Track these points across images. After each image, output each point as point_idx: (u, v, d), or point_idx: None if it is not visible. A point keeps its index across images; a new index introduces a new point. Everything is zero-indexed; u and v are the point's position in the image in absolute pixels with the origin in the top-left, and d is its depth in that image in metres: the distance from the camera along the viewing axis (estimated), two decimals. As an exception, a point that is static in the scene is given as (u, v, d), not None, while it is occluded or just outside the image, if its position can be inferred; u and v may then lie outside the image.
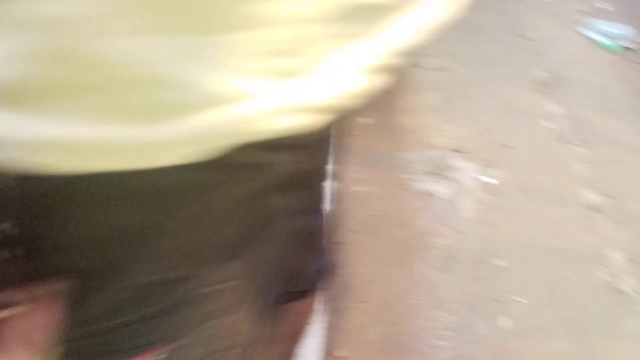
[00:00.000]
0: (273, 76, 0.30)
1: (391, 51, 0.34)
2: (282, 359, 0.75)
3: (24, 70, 0.27)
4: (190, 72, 0.28)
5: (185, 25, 0.27)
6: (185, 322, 0.37)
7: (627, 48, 2.38)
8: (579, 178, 1.75)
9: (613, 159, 1.84)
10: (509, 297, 1.40)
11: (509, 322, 1.34)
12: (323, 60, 0.31)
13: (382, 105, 1.90)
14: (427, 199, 1.61)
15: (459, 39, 2.25)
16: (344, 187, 1.59)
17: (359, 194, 1.59)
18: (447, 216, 1.57)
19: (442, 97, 1.97)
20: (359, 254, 1.43)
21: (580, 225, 1.60)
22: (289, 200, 0.42)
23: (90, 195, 0.32)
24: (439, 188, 1.65)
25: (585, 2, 2.63)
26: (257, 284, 0.40)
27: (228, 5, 0.27)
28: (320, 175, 0.57)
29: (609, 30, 2.39)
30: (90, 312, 0.36)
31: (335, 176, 1.60)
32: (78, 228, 0.33)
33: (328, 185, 0.68)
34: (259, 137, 0.31)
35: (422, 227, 1.54)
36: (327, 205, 0.69)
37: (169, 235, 0.34)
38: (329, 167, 0.63)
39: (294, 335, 0.76)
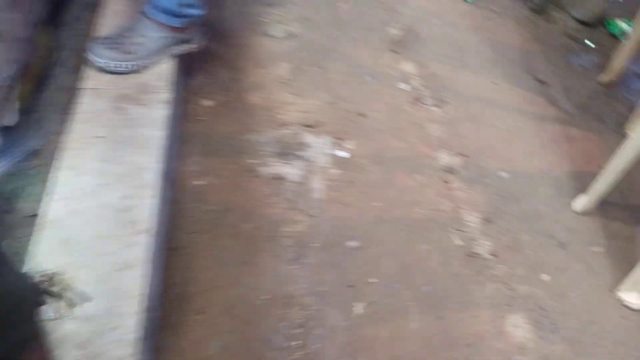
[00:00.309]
0: None
1: None
2: None
3: None
4: None
5: None
6: None
7: (481, -4, 2.35)
8: (434, 140, 1.69)
9: (467, 116, 1.80)
10: (364, 280, 1.32)
11: (363, 308, 1.26)
12: None
13: (227, 83, 1.73)
14: (276, 183, 1.49)
15: (308, 2, 2.11)
16: (182, 183, 1.43)
17: (199, 189, 1.43)
18: (298, 200, 1.46)
19: (292, 68, 1.83)
20: (198, 258, 1.29)
21: (436, 191, 1.55)
22: None
23: None
24: (290, 170, 1.53)
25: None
26: None
27: None
28: None
29: (463, -20, 2.34)
30: None
31: (171, 172, 1.44)
32: None
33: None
34: None
35: (271, 215, 1.41)
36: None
37: None
38: None
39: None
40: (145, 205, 1.18)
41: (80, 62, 1.48)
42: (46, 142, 1.31)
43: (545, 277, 1.39)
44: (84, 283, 1.04)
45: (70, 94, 1.41)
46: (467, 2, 2.30)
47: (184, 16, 1.48)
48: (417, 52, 1.99)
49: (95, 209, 1.15)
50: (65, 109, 1.38)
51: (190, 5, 1.47)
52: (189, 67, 1.74)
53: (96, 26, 1.58)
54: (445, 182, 1.57)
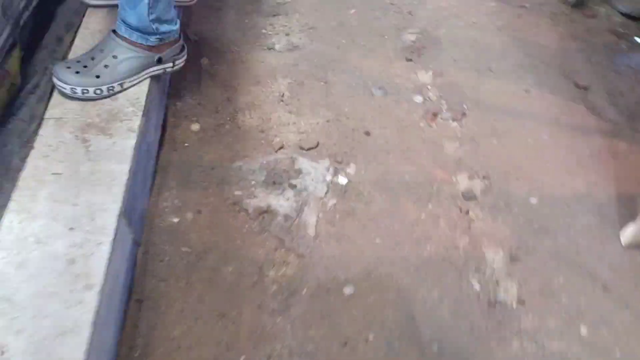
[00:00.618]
0: None
1: None
2: None
3: None
4: None
5: None
6: None
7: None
8: (451, 161, 1.46)
9: (491, 131, 1.56)
10: (360, 335, 1.11)
11: (357, 372, 1.06)
12: None
13: (219, 103, 1.57)
14: (264, 218, 1.30)
15: (313, 9, 1.92)
16: (155, 221, 1.27)
17: (174, 227, 1.26)
18: (288, 237, 1.27)
19: (293, 83, 1.65)
20: (167, 311, 1.12)
21: (452, 223, 1.32)
22: None
23: None
24: (281, 201, 1.34)
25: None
26: None
27: None
28: None
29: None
30: None
31: (140, 210, 1.28)
32: None
33: None
34: None
35: (256, 257, 1.23)
36: None
37: None
38: None
39: None
40: (98, 255, 1.01)
41: (51, 88, 1.35)
42: (7, 180, 1.18)
43: (583, 329, 1.15)
44: (16, 351, 0.89)
45: (37, 124, 1.28)
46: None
47: (158, 33, 1.32)
48: (435, 59, 1.77)
49: (41, 261, 1.00)
50: (29, 141, 1.25)
51: (164, 21, 1.31)
52: (177, 88, 1.59)
53: (74, 48, 1.45)
54: (464, 211, 1.34)
